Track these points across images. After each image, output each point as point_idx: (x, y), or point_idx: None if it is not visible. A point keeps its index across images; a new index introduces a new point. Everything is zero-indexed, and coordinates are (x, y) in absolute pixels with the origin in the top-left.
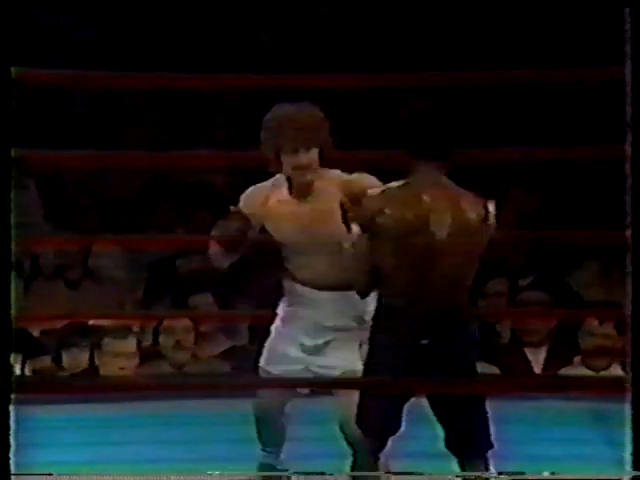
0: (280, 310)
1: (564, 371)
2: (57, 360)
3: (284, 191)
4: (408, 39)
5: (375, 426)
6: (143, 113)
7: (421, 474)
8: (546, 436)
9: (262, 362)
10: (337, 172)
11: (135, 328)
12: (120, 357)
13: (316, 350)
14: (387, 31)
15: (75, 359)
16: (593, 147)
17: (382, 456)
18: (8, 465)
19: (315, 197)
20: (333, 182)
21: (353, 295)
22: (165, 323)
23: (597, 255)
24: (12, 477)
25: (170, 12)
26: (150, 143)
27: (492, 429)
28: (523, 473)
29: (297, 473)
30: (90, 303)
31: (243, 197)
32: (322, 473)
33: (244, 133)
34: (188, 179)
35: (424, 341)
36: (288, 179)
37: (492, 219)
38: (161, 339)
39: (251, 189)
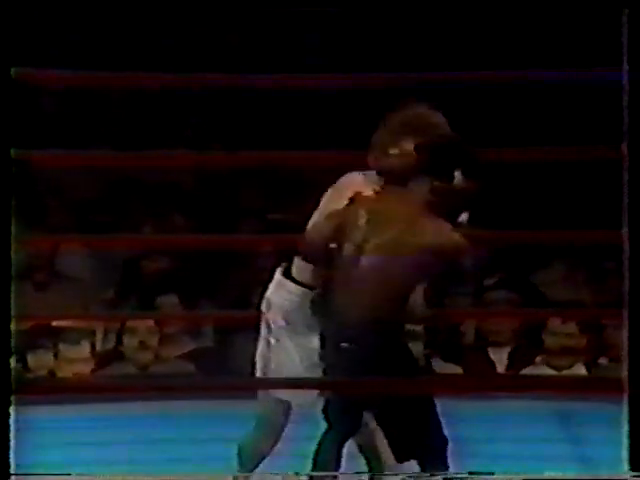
0: None
1: (527, 371)
2: (23, 361)
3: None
4: (400, 39)
5: (334, 420)
6: (113, 112)
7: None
8: (511, 435)
9: None
10: None
11: (99, 329)
12: (73, 362)
13: None
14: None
15: (40, 361)
16: (590, 147)
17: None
18: (8, 465)
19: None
20: None
21: None
22: (129, 324)
23: (562, 255)
24: (12, 477)
25: (145, 12)
26: (118, 142)
27: (447, 427)
28: (500, 473)
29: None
30: (57, 304)
31: (336, 190)
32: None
33: (213, 133)
34: (157, 179)
35: (344, 344)
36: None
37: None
38: (125, 340)
39: (355, 176)
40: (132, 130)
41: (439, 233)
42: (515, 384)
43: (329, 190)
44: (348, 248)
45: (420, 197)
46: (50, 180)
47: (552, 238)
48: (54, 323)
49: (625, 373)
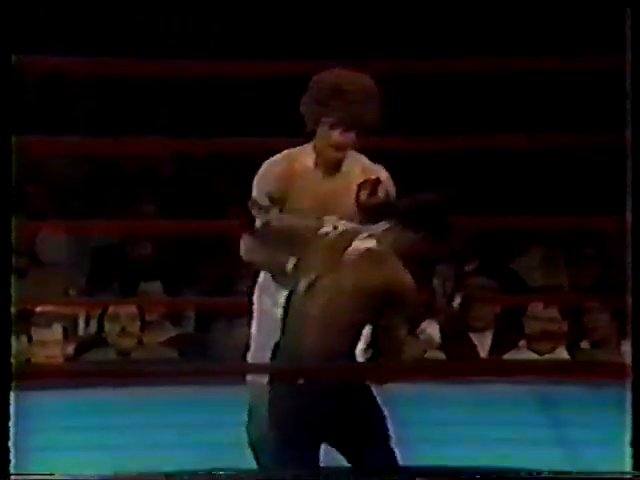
0: None
1: (509, 355)
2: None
3: (309, 162)
4: (392, 26)
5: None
6: (89, 98)
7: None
8: (495, 419)
9: None
10: (362, 157)
11: (82, 316)
12: (46, 346)
13: None
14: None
15: (21, 346)
16: (592, 135)
17: None
18: (8, 457)
19: (342, 175)
20: (358, 165)
21: None
22: (110, 310)
23: (541, 240)
24: (12, 477)
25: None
26: (96, 129)
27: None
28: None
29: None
30: (37, 290)
31: (259, 178)
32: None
33: (192, 121)
34: (134, 166)
35: (300, 381)
36: (315, 150)
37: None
38: (106, 326)
39: (267, 166)
40: (112, 116)
41: (393, 274)
42: (500, 368)
43: (266, 176)
44: (303, 283)
45: (383, 238)
46: (29, 166)
47: (531, 224)
48: (38, 309)
49: (629, 360)
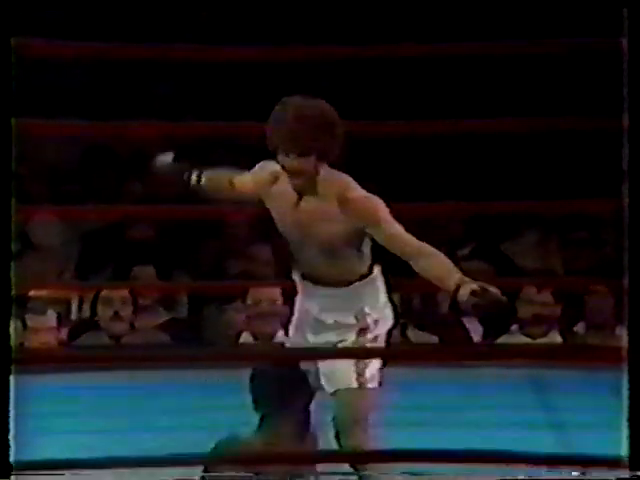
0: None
1: (502, 339)
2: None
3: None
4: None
5: None
6: (89, 81)
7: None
8: (487, 404)
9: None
10: (343, 177)
11: (74, 299)
12: (40, 332)
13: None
14: None
15: (16, 331)
16: (590, 118)
17: None
18: (8, 442)
19: (317, 199)
20: (335, 187)
21: (351, 291)
22: (103, 294)
23: (534, 224)
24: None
25: None
26: (89, 112)
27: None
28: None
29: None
30: (30, 274)
31: (260, 165)
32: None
33: (186, 104)
34: (127, 149)
35: None
36: None
37: None
38: (99, 310)
39: (265, 163)
40: (110, 100)
41: None
42: (492, 352)
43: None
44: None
45: None
46: (23, 149)
47: (526, 207)
48: (31, 293)
49: (625, 343)
